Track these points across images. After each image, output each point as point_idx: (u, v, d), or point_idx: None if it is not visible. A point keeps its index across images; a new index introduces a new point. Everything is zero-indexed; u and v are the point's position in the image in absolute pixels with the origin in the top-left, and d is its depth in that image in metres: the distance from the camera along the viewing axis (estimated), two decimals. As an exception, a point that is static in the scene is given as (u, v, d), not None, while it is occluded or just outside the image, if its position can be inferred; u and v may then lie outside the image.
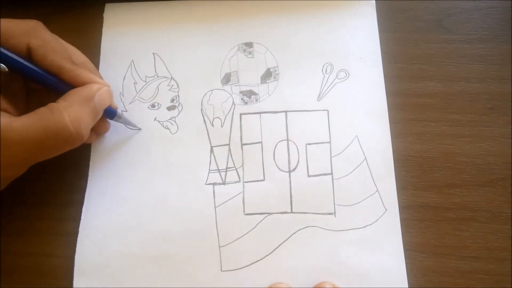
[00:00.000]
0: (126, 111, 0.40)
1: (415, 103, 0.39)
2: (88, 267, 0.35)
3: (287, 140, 0.38)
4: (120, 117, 0.37)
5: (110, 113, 0.37)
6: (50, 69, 0.33)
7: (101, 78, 0.37)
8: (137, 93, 0.40)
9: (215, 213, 0.36)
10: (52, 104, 0.32)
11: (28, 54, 0.33)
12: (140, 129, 0.39)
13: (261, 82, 0.40)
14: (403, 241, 0.35)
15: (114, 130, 0.39)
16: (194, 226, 0.36)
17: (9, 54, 0.31)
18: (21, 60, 0.32)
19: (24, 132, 0.30)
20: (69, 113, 0.31)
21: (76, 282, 0.35)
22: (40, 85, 0.34)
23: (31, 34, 0.33)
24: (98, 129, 0.38)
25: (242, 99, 0.40)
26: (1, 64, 0.31)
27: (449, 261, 0.35)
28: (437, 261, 0.35)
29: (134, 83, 0.40)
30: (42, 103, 0.34)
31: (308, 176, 0.37)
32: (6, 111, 0.32)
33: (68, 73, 0.33)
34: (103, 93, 0.34)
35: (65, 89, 0.33)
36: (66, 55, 0.34)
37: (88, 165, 0.38)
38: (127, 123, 0.38)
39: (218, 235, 0.36)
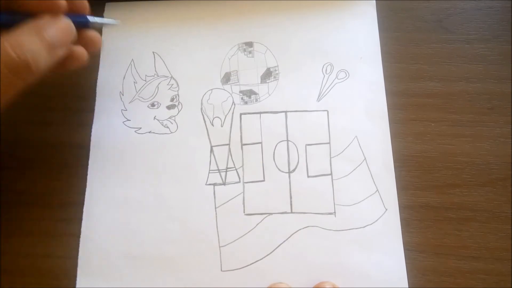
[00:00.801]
0: (126, 110, 0.40)
1: (415, 103, 0.39)
2: (90, 268, 0.35)
3: (287, 140, 0.38)
4: (94, 23, 0.34)
5: (81, 23, 0.33)
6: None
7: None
8: (137, 92, 0.40)
9: (216, 213, 0.36)
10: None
11: None
12: (118, 21, 0.37)
13: (261, 82, 0.40)
14: (403, 241, 0.35)
15: (113, 130, 0.39)
16: (194, 226, 0.36)
17: None
18: None
19: None
20: (9, 40, 0.28)
21: (79, 282, 0.35)
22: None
23: None
24: (87, 45, 0.34)
25: (242, 98, 0.40)
26: None
27: (449, 261, 0.35)
28: (437, 261, 0.35)
29: (134, 82, 0.40)
30: None
31: (308, 176, 0.37)
32: None
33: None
34: (56, 22, 0.31)
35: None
36: None
37: (87, 165, 0.38)
38: (103, 22, 0.35)
39: (218, 235, 0.36)
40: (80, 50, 0.34)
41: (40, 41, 0.30)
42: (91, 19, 0.34)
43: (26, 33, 0.29)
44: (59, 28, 0.31)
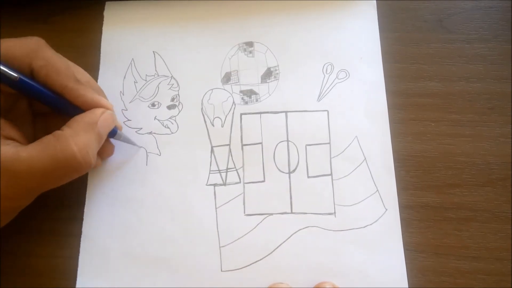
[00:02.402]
0: (126, 110, 0.40)
1: (415, 103, 0.39)
2: (90, 268, 0.35)
3: (287, 141, 0.38)
4: (120, 135, 0.37)
5: (110, 132, 0.36)
6: (54, 89, 0.32)
7: (105, 96, 0.37)
8: (137, 92, 0.40)
9: (216, 214, 0.36)
10: (58, 132, 0.31)
11: (31, 75, 0.32)
12: (140, 147, 0.38)
13: (262, 82, 0.40)
14: (403, 241, 0.35)
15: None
16: (194, 226, 0.36)
17: (12, 71, 0.31)
18: (25, 79, 0.31)
19: (31, 162, 0.29)
20: (75, 141, 0.31)
21: (79, 282, 0.35)
22: (45, 105, 0.33)
23: (33, 54, 0.32)
24: (103, 153, 0.37)
25: (242, 98, 0.40)
26: (13, 73, 0.30)
27: (449, 261, 0.35)
28: (437, 261, 0.35)
29: (135, 82, 0.40)
30: (48, 127, 0.34)
31: (308, 177, 0.37)
32: (12, 138, 0.32)
33: (72, 93, 0.32)
34: (106, 117, 0.34)
35: (70, 110, 0.33)
36: (70, 74, 0.33)
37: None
38: (127, 141, 0.38)
39: (218, 235, 0.36)
40: (109, 145, 0.38)
41: (96, 140, 0.33)
42: (119, 132, 0.36)
43: (86, 130, 0.32)
44: (108, 121, 0.34)
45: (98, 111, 0.33)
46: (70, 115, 0.33)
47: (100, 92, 0.36)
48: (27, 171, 0.29)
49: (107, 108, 0.34)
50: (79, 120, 0.32)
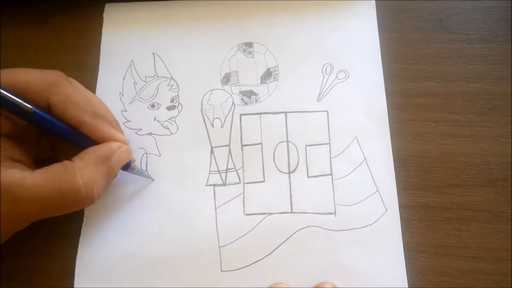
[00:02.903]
0: (126, 111, 0.40)
1: (415, 103, 0.39)
2: (89, 268, 0.35)
3: (287, 141, 0.38)
4: (133, 168, 0.36)
5: (124, 165, 0.35)
6: (70, 123, 0.32)
7: (121, 130, 0.36)
8: (137, 93, 0.40)
9: (216, 214, 0.36)
10: (67, 163, 0.31)
11: (48, 108, 0.32)
12: (153, 180, 0.38)
13: (261, 82, 0.40)
14: (403, 241, 0.35)
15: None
16: (194, 226, 0.36)
17: (26, 104, 0.30)
18: (40, 112, 0.31)
19: (35, 190, 0.29)
20: (82, 174, 0.30)
21: (77, 282, 0.35)
22: (59, 139, 0.33)
23: (52, 89, 0.31)
24: None
25: (242, 99, 0.40)
26: (28, 105, 0.30)
27: (449, 261, 0.35)
28: (437, 261, 0.35)
29: (134, 83, 0.40)
30: (54, 146, 0.34)
31: (308, 177, 0.37)
32: (18, 160, 0.31)
33: (89, 128, 0.32)
34: (121, 152, 0.33)
35: (85, 143, 0.33)
36: (88, 108, 0.32)
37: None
38: (139, 174, 0.37)
39: (218, 235, 0.36)
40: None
41: (105, 175, 0.32)
42: (133, 165, 0.36)
43: (97, 164, 0.32)
44: (123, 156, 0.34)
45: (114, 145, 0.33)
46: (83, 147, 0.32)
47: (116, 125, 0.36)
48: (30, 199, 0.29)
49: (123, 143, 0.34)
50: (92, 153, 0.32)
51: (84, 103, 0.32)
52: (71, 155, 0.33)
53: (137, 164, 0.38)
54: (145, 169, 0.38)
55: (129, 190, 0.37)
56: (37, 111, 0.30)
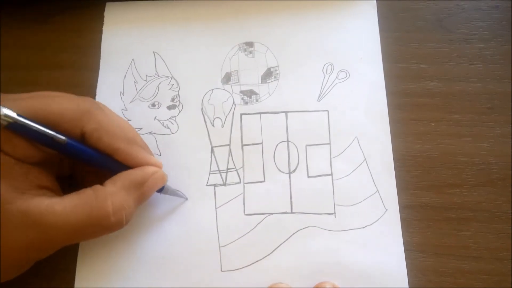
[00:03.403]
0: (126, 110, 0.40)
1: (415, 103, 0.39)
2: (89, 267, 0.35)
3: (287, 141, 0.38)
4: (167, 190, 0.35)
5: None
6: (103, 151, 0.31)
7: (151, 152, 0.35)
8: (137, 92, 0.40)
9: (216, 213, 0.36)
10: (98, 188, 0.30)
11: (81, 137, 0.31)
12: (186, 198, 0.37)
13: (262, 82, 0.40)
14: (403, 241, 0.35)
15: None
16: (194, 226, 0.36)
17: (60, 136, 0.29)
18: (73, 143, 0.30)
19: (65, 217, 0.28)
20: (113, 200, 0.30)
21: (78, 282, 0.35)
22: (91, 166, 0.32)
23: (85, 118, 0.31)
24: None
25: (242, 99, 0.40)
26: (62, 137, 0.29)
27: (449, 261, 0.35)
28: (437, 261, 0.35)
29: (135, 82, 0.40)
30: (74, 164, 0.34)
31: (308, 177, 0.37)
32: (45, 187, 0.31)
33: (123, 154, 0.32)
34: (157, 178, 0.33)
35: (118, 169, 0.32)
36: (121, 134, 0.32)
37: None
38: (173, 194, 0.36)
39: (218, 235, 0.36)
40: None
41: (136, 201, 0.32)
42: (166, 186, 0.35)
43: (130, 190, 0.31)
44: (158, 182, 0.33)
45: (149, 170, 0.33)
46: (116, 173, 0.32)
47: (146, 147, 0.35)
48: (59, 226, 0.28)
49: (157, 166, 0.33)
50: (125, 178, 0.31)
51: (117, 130, 0.32)
52: (91, 171, 0.33)
53: (169, 183, 0.36)
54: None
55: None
56: (71, 142, 0.30)
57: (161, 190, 0.35)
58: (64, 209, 0.29)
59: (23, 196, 0.28)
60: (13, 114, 0.28)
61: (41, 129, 0.29)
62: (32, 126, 0.28)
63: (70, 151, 0.30)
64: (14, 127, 0.28)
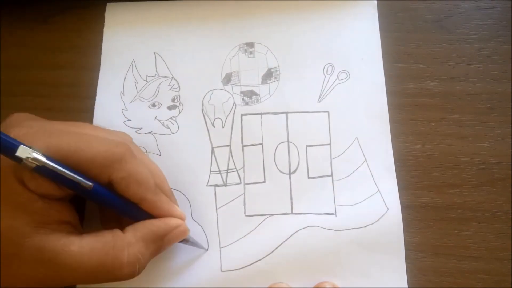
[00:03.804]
0: (127, 110, 0.40)
1: (415, 103, 0.40)
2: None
3: (288, 142, 0.38)
4: (188, 240, 0.34)
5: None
6: (130, 198, 0.31)
7: (175, 201, 0.35)
8: (138, 92, 0.40)
9: (217, 214, 0.36)
10: (118, 235, 0.30)
11: (109, 184, 0.30)
12: (206, 249, 0.36)
13: (262, 83, 0.40)
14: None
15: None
16: (194, 227, 0.36)
17: (86, 181, 0.28)
18: (101, 190, 0.29)
19: (79, 259, 0.28)
20: (130, 252, 0.29)
21: None
22: (115, 212, 0.32)
23: (116, 165, 0.29)
24: None
25: (243, 99, 0.40)
26: (88, 182, 0.28)
27: (449, 261, 0.35)
28: (437, 261, 0.35)
29: (135, 82, 0.40)
30: None
31: (308, 178, 0.37)
32: (66, 221, 0.30)
33: (149, 204, 0.31)
34: (178, 232, 0.32)
35: (142, 217, 0.31)
36: (150, 185, 0.31)
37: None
38: (194, 245, 0.35)
39: (219, 236, 0.36)
40: None
41: (153, 253, 0.31)
42: (187, 237, 0.34)
43: (149, 241, 0.30)
44: (179, 236, 0.33)
45: (173, 223, 0.32)
46: (139, 220, 0.31)
47: (172, 195, 0.35)
48: (72, 268, 0.28)
49: (181, 218, 0.33)
50: (147, 228, 0.31)
51: (147, 180, 0.31)
52: None
53: (191, 235, 0.35)
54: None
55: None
56: (97, 188, 0.29)
57: (181, 241, 0.34)
58: (79, 251, 0.28)
59: (41, 230, 0.28)
60: (42, 158, 0.26)
61: (68, 174, 0.28)
62: (60, 170, 0.27)
63: (95, 196, 0.29)
64: (41, 169, 0.27)
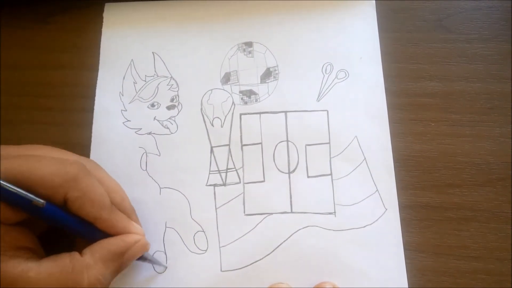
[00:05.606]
0: (126, 110, 0.40)
1: (415, 103, 0.39)
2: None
3: (287, 141, 0.38)
4: (146, 258, 0.34)
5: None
6: (85, 218, 0.30)
7: (136, 217, 0.35)
8: (136, 92, 0.40)
9: (216, 214, 0.36)
10: (76, 258, 0.29)
11: (63, 203, 0.30)
12: (166, 267, 0.36)
13: (261, 82, 0.40)
14: (403, 241, 0.35)
15: (113, 131, 0.39)
16: (194, 227, 0.36)
17: (38, 199, 0.28)
18: (54, 209, 0.29)
19: (38, 286, 0.27)
20: (89, 274, 0.29)
21: None
22: (70, 232, 0.32)
23: (70, 184, 0.29)
24: None
25: (242, 99, 0.40)
26: (40, 200, 0.28)
27: (449, 261, 0.35)
28: (437, 261, 0.35)
29: (134, 82, 0.40)
30: None
31: (308, 177, 0.37)
32: (24, 247, 0.30)
33: (104, 223, 0.31)
34: (137, 248, 0.32)
35: (98, 237, 0.31)
36: (104, 204, 0.31)
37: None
38: (152, 262, 0.35)
39: (218, 235, 0.36)
40: None
41: (114, 272, 0.31)
42: (146, 255, 0.34)
43: (108, 261, 0.30)
44: (138, 252, 0.33)
45: (130, 239, 0.32)
46: (95, 240, 0.31)
47: (132, 212, 0.34)
48: None
49: (139, 234, 0.33)
50: (104, 248, 0.31)
51: (101, 198, 0.31)
52: None
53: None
54: (144, 169, 0.38)
55: (128, 189, 0.37)
56: (49, 206, 0.29)
57: (140, 257, 0.34)
58: (37, 277, 0.28)
59: None
60: None
61: (19, 191, 0.28)
62: (11, 188, 0.27)
63: (48, 216, 0.29)
64: None
